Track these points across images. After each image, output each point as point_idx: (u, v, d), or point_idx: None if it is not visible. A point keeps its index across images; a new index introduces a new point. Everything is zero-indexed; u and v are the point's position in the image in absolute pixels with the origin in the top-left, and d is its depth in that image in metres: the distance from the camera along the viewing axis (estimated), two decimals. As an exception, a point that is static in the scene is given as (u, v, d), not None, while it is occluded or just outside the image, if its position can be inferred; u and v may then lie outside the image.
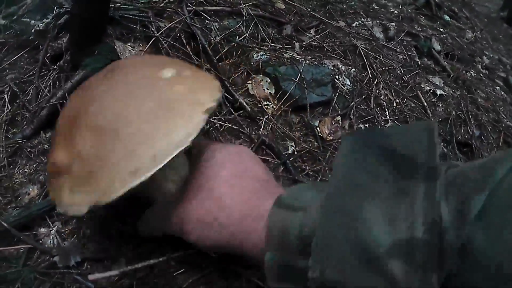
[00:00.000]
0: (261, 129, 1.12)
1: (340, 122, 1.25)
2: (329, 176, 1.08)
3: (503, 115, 1.86)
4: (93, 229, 0.90)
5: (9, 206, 1.04)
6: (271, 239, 0.47)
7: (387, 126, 1.32)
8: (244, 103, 1.15)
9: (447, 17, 2.88)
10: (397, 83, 1.58)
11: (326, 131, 1.20)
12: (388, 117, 1.37)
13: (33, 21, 1.57)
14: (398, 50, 1.85)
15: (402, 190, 0.37)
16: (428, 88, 1.66)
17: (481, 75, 2.21)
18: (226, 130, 1.10)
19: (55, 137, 0.67)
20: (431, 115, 1.50)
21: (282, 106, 1.22)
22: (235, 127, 1.10)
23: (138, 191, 0.58)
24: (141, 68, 0.63)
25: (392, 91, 1.50)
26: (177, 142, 0.54)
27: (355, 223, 0.37)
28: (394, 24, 2.11)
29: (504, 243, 0.32)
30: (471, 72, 2.16)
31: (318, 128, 1.19)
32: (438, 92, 1.66)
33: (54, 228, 0.93)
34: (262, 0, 1.70)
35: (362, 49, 1.63)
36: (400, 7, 2.72)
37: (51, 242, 0.91)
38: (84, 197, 0.58)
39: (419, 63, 1.88)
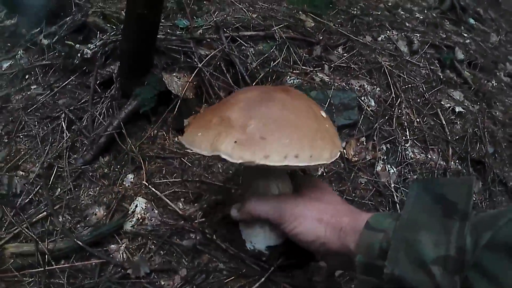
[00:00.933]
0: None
1: (364, 143, 1.44)
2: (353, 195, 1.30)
3: (520, 129, 1.99)
4: (157, 245, 1.13)
5: (78, 225, 1.27)
6: (361, 247, 0.74)
7: (406, 146, 1.52)
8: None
9: (471, 20, 3.00)
10: (418, 100, 1.76)
11: (352, 153, 1.39)
12: (408, 137, 1.55)
13: (77, 45, 1.79)
14: (421, 65, 2.01)
15: (445, 226, 0.64)
16: (448, 105, 1.82)
17: (503, 84, 2.33)
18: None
19: (229, 101, 0.93)
20: (448, 133, 1.67)
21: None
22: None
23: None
24: (308, 101, 0.95)
25: (414, 109, 1.68)
26: (326, 158, 0.81)
27: (414, 244, 0.65)
28: (418, 35, 2.27)
29: (498, 261, 0.58)
30: (492, 82, 2.28)
31: (344, 150, 1.39)
32: (457, 109, 1.81)
33: (123, 245, 1.16)
34: (292, 20, 1.90)
35: (386, 67, 1.81)
36: (426, 11, 2.86)
37: (121, 256, 1.14)
38: (244, 154, 0.78)
39: (441, 76, 2.04)
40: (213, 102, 1.40)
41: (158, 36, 1.54)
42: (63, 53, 1.81)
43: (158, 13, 1.30)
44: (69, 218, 1.29)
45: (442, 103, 1.84)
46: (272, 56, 1.62)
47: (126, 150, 1.34)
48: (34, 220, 1.25)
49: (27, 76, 1.82)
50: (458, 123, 1.80)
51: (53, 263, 1.14)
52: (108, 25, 1.79)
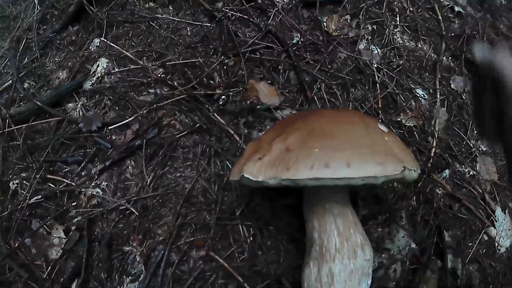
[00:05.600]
0: (270, 19, 1.15)
1: (348, 21, 1.25)
2: (329, 66, 1.12)
3: (523, 47, 1.77)
4: (112, 100, 1.00)
5: (41, 90, 1.15)
6: None
7: (395, 31, 1.32)
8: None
9: None
10: (416, -9, 1.54)
11: (333, 27, 1.21)
12: (398, 23, 1.36)
13: None
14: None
15: None
16: (447, 3, 1.60)
17: None
18: (237, 19, 1.15)
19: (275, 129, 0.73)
20: (444, 28, 1.46)
21: (294, 1, 1.23)
22: (245, 17, 1.14)
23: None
24: (363, 117, 0.72)
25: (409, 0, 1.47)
26: (376, 170, 0.58)
27: None
28: None
29: None
30: (502, 1, 2.03)
31: (325, 23, 1.21)
32: (456, 9, 1.59)
33: (80, 103, 1.04)
34: None
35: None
36: None
37: (77, 114, 1.02)
38: (266, 170, 0.62)
39: (450, -24, 1.79)
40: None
41: None
42: None
43: None
44: (34, 84, 1.18)
45: (441, 0, 1.61)
46: None
47: (93, 15, 1.18)
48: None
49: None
50: (456, 22, 1.58)
51: (12, 125, 1.04)
52: None
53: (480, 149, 1.25)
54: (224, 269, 0.79)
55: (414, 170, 0.64)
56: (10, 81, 1.18)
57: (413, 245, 0.94)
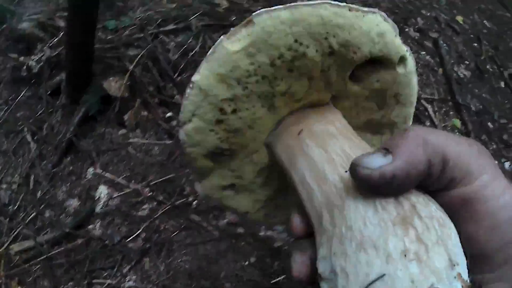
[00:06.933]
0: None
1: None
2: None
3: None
4: (121, 218, 1.58)
5: (60, 216, 1.66)
6: None
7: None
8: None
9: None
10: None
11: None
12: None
13: (21, 58, 2.07)
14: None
15: None
16: None
17: (410, 40, 2.49)
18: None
19: None
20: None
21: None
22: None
23: None
24: None
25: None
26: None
27: None
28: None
29: None
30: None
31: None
32: None
33: (97, 224, 1.58)
34: (207, 5, 2.20)
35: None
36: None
37: (98, 232, 1.58)
38: None
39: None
40: (146, 98, 1.78)
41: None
42: (8, 65, 2.06)
43: (92, 36, 1.67)
44: (53, 212, 1.66)
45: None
46: (191, 45, 1.97)
47: (80, 149, 1.74)
48: (27, 221, 1.61)
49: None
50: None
51: (50, 249, 1.52)
52: (45, 33, 2.05)
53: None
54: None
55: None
56: (34, 213, 1.66)
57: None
